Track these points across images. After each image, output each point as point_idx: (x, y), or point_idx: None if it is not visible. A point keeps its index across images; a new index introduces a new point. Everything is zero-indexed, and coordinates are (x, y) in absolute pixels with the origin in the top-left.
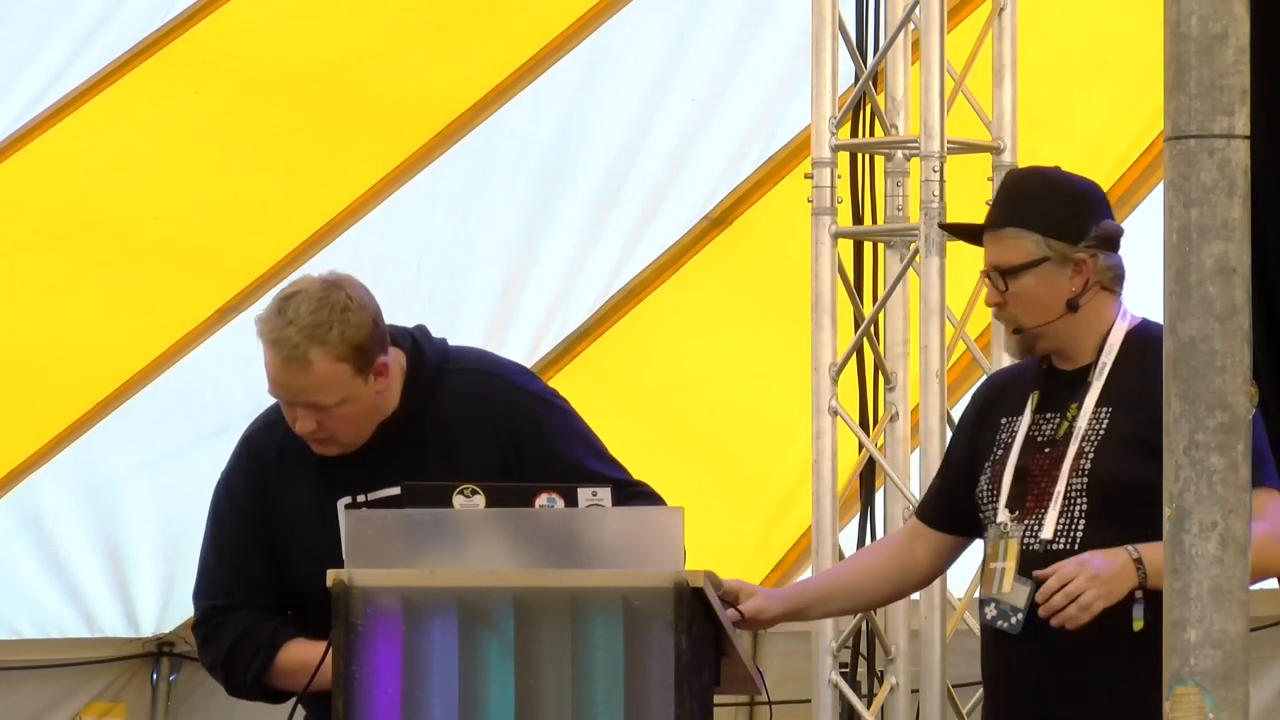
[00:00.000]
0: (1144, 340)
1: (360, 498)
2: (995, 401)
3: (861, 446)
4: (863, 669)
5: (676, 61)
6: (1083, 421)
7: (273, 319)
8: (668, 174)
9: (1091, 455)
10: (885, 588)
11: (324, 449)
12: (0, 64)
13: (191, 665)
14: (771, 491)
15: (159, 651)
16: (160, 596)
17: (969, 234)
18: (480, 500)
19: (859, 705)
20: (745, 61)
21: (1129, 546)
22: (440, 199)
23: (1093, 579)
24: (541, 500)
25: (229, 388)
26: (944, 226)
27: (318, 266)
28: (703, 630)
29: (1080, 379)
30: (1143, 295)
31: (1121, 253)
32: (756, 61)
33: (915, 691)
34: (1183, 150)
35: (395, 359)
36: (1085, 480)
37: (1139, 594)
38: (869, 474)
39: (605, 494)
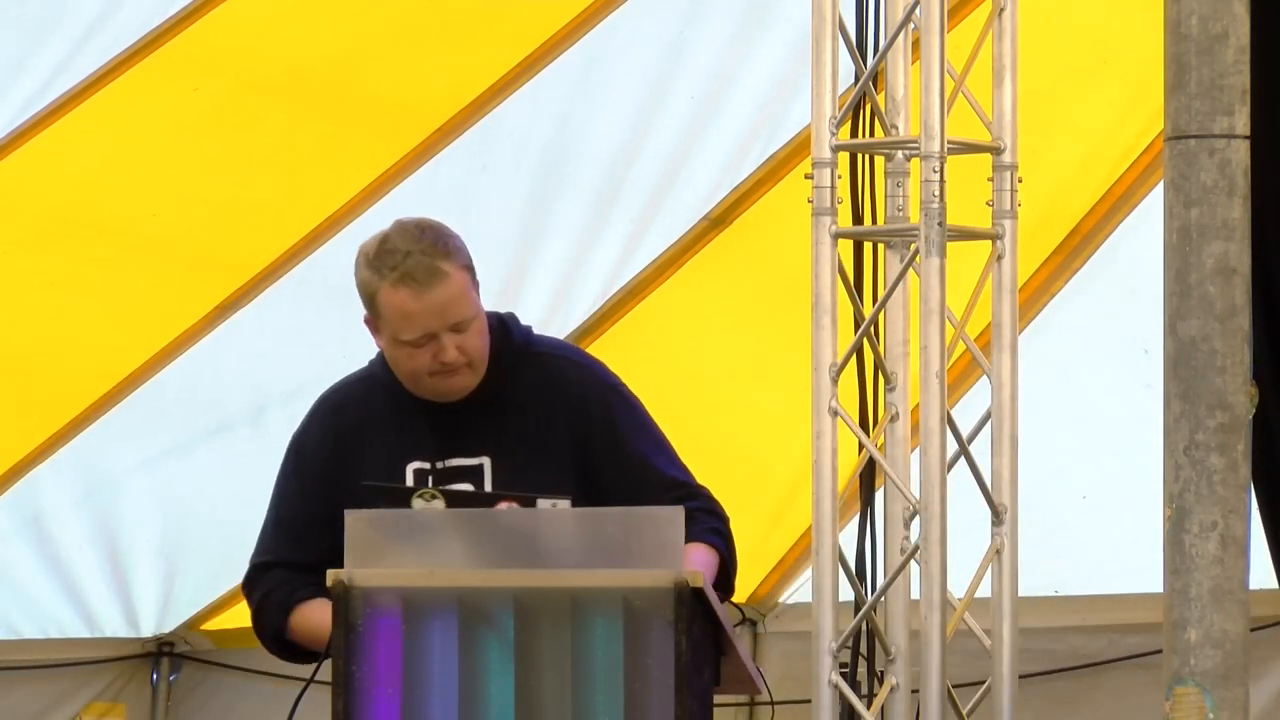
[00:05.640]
0: None
1: (432, 464)
2: None
3: (861, 446)
4: (863, 669)
5: (676, 60)
6: None
7: (388, 256)
8: (667, 173)
9: None
10: None
11: (456, 381)
12: None
13: (191, 665)
14: (771, 491)
15: (159, 651)
16: (160, 596)
17: None
18: (439, 505)
19: (859, 705)
20: (745, 61)
21: None
22: (439, 196)
23: None
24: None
25: (228, 386)
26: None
27: (317, 264)
28: (703, 630)
29: None
30: (1143, 295)
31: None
32: (756, 61)
33: (915, 691)
34: (1183, 150)
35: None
36: None
37: None
38: (869, 474)
39: (564, 504)
